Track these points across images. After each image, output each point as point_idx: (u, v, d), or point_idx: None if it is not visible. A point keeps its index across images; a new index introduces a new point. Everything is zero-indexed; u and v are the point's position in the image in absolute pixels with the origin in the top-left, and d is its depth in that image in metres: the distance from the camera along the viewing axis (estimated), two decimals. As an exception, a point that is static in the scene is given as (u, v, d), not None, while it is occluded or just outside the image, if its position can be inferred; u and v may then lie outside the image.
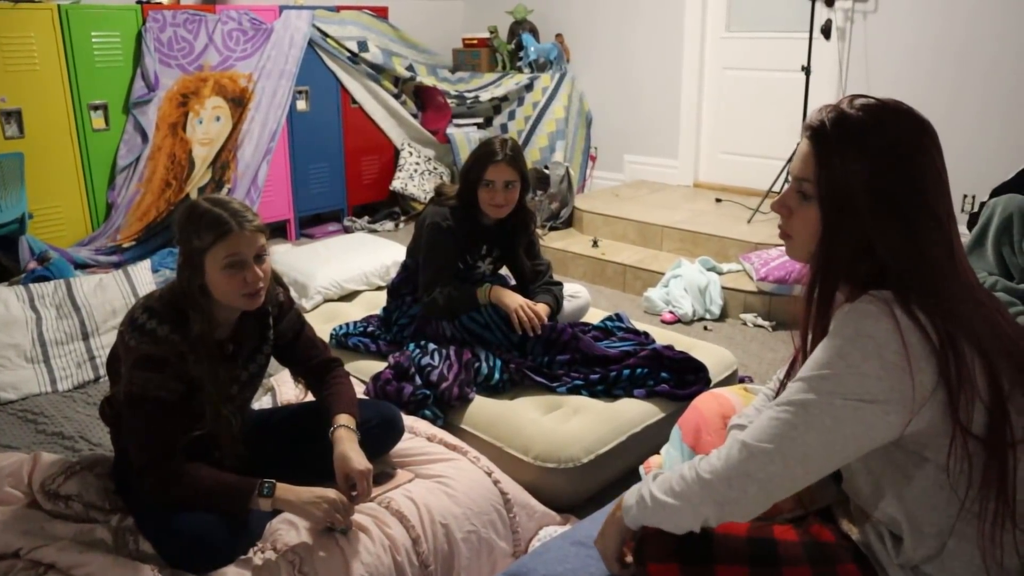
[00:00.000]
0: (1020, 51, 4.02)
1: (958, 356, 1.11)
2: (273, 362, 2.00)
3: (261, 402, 2.45)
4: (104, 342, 2.91)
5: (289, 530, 1.76)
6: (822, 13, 4.48)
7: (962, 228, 4.01)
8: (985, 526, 1.13)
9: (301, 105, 5.14)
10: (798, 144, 1.30)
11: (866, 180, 1.16)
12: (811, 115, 1.26)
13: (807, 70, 4.45)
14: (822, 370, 1.15)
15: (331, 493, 1.71)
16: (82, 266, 4.08)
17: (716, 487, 1.20)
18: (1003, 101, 4.11)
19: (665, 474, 1.30)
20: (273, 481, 1.69)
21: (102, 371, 2.76)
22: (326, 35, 5.20)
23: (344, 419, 1.86)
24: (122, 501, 1.83)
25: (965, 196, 4.26)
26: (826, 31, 4.48)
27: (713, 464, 1.21)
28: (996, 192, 3.52)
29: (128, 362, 1.66)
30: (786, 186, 1.37)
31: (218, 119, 4.69)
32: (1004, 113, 4.10)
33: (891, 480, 1.20)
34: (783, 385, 1.52)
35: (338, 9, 5.40)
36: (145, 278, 3.28)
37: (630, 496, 1.34)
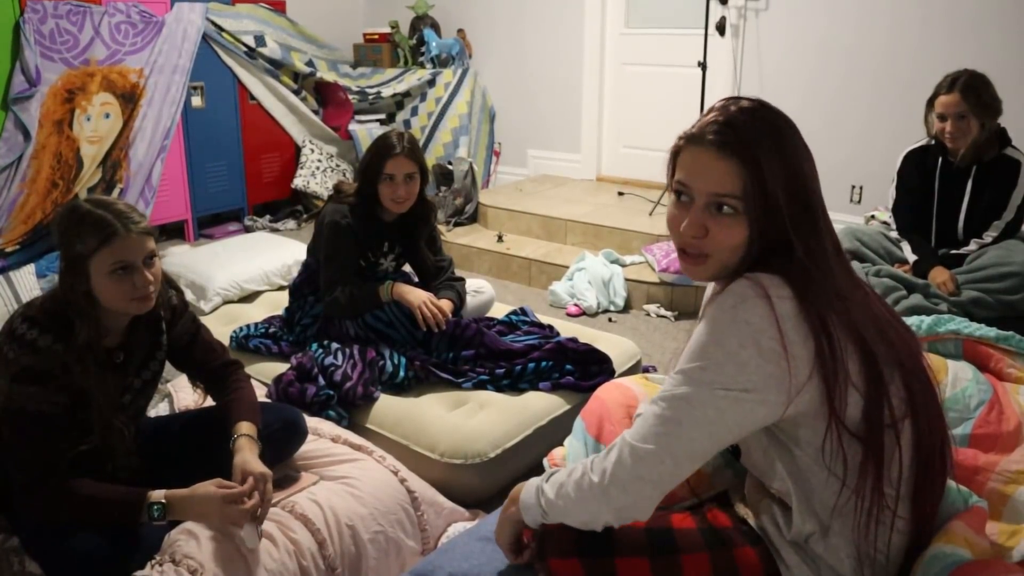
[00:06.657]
0: (910, 45, 4.18)
1: (831, 342, 1.13)
2: (170, 367, 1.94)
3: (158, 409, 2.36)
4: (-15, 352, 2.76)
5: (188, 540, 1.70)
6: (717, 10, 4.60)
7: (854, 217, 4.18)
8: (861, 514, 1.17)
9: (196, 101, 4.97)
10: (681, 154, 1.23)
11: (784, 181, 1.16)
12: (703, 127, 1.20)
13: (703, 66, 4.57)
14: (700, 361, 1.15)
15: (218, 494, 1.62)
16: (-40, 272, 3.86)
17: (612, 494, 1.20)
18: (894, 94, 4.25)
19: (559, 475, 1.29)
20: (163, 501, 1.61)
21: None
22: (221, 29, 5.05)
23: (246, 427, 1.80)
24: (5, 521, 1.74)
25: (853, 187, 4.46)
26: (720, 28, 4.61)
27: (605, 469, 1.21)
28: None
29: (7, 376, 1.57)
30: (670, 197, 1.26)
31: (107, 116, 4.49)
32: (895, 106, 4.24)
33: (779, 454, 1.23)
34: None
35: (233, 2, 5.26)
36: (30, 284, 3.14)
37: (528, 496, 1.33)
